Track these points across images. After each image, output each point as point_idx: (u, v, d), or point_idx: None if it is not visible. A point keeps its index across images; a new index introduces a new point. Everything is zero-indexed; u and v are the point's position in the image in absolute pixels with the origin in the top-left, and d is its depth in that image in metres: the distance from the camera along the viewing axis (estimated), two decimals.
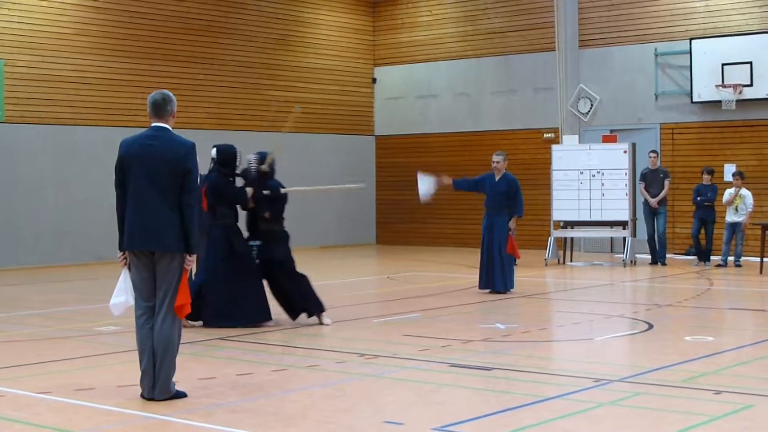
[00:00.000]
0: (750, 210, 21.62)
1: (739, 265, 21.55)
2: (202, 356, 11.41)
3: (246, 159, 13.79)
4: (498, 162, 17.48)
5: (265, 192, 13.61)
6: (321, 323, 13.54)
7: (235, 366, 10.74)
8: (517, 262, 17.91)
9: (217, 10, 26.49)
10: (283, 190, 13.88)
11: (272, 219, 13.69)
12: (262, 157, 13.83)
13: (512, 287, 17.29)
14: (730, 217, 21.75)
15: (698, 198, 22.27)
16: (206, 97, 26.17)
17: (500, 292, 17.02)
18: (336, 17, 29.60)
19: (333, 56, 29.47)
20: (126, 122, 24.35)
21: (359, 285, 19.98)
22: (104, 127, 24.11)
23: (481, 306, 16.04)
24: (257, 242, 13.59)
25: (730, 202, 21.70)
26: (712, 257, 22.31)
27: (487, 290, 17.22)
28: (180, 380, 9.46)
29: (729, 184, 22.17)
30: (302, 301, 13.63)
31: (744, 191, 21.73)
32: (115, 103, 24.39)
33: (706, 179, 22.35)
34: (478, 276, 17.59)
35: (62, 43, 23.62)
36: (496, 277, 17.15)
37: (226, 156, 13.58)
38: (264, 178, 13.72)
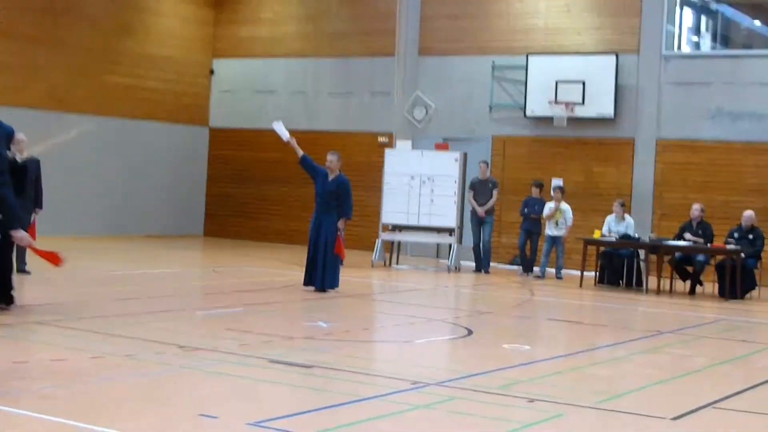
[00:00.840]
0: (569, 224, 22.15)
1: (560, 278, 22.05)
2: (17, 339, 11.13)
3: None
4: (332, 162, 17.47)
5: None
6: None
7: (50, 351, 10.50)
8: (342, 263, 17.93)
9: None
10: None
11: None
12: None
13: (335, 286, 17.26)
14: (551, 231, 22.27)
15: (525, 210, 22.69)
16: (45, 78, 25.54)
17: (321, 290, 17.00)
18: (179, 7, 29.26)
19: (173, 45, 29.13)
20: None
21: (183, 276, 19.78)
22: None
23: (305, 304, 16.03)
24: None
25: (551, 216, 22.21)
26: (534, 268, 22.75)
27: (311, 288, 17.17)
28: None
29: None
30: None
31: (564, 205, 22.25)
32: None
33: (534, 192, 22.78)
34: (303, 273, 17.55)
35: None
36: (317, 275, 17.13)
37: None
38: None
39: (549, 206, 22.26)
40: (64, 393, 8.65)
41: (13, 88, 24.99)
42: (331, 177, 17.42)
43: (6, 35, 24.78)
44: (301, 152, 17.62)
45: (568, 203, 22.48)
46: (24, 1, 25.11)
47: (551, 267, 22.49)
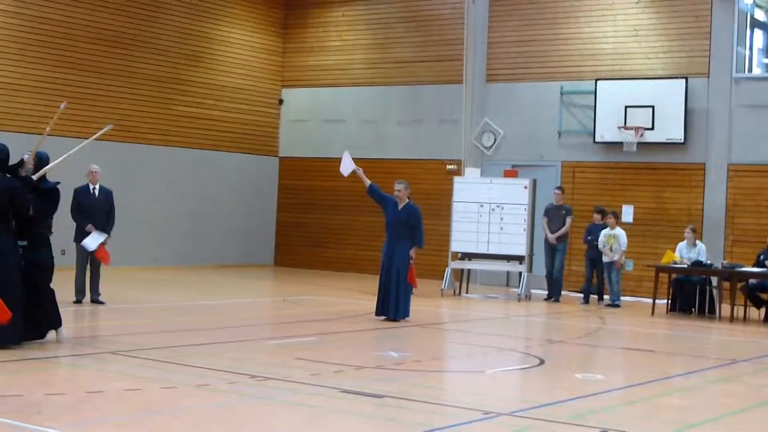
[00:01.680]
0: (623, 249, 21.87)
1: (617, 305, 21.69)
2: (91, 369, 11.23)
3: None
4: (399, 190, 17.48)
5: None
6: (58, 340, 12.83)
7: (124, 381, 10.59)
8: (414, 291, 17.92)
9: (129, 22, 26.23)
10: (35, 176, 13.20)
11: (38, 219, 12.93)
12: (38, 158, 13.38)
13: (407, 316, 17.25)
14: (607, 258, 21.95)
15: (588, 237, 22.45)
16: (115, 109, 25.82)
17: (393, 320, 16.99)
18: (247, 37, 29.51)
19: (242, 75, 29.37)
20: (29, 128, 23.99)
21: (254, 306, 19.87)
22: (6, 133, 23.69)
23: (375, 333, 16.03)
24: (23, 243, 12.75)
25: (604, 243, 21.93)
26: (598, 296, 22.49)
27: (382, 317, 17.16)
28: (66, 392, 9.30)
29: (625, 224, 22.45)
30: (49, 314, 12.77)
31: (618, 230, 22.00)
32: (21, 109, 23.99)
33: (596, 218, 22.53)
34: (375, 302, 17.53)
35: None
36: (390, 304, 17.14)
37: None
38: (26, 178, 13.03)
39: (603, 233, 21.99)
40: (137, 423, 8.71)
41: (85, 119, 25.28)
42: (401, 206, 17.42)
43: (76, 67, 25.10)
44: (368, 182, 17.66)
45: (639, 229, 22.27)
46: (93, 32, 25.42)
47: (626, 295, 22.14)
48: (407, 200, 17.52)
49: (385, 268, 17.30)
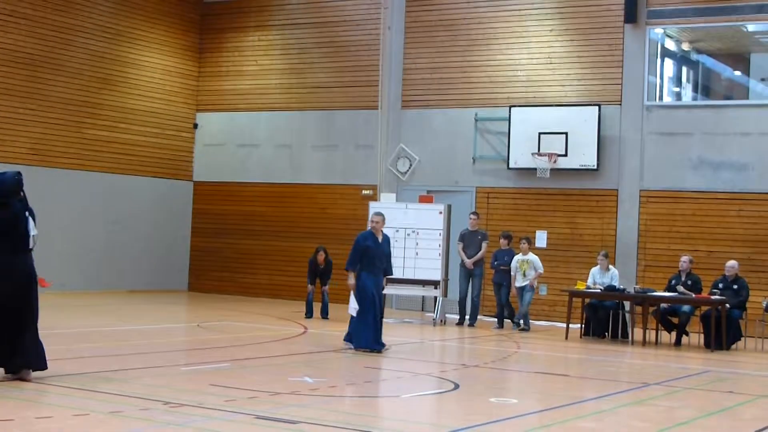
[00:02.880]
0: (540, 272, 22.10)
1: (520, 327, 21.94)
2: (1, 397, 11.03)
3: None
4: (378, 222, 17.14)
5: None
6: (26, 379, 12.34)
7: (34, 408, 10.42)
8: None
9: (42, 44, 25.96)
10: None
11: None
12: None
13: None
14: (519, 282, 22.15)
15: (495, 262, 22.64)
16: (26, 132, 25.53)
17: (378, 351, 16.73)
18: (162, 60, 29.35)
19: (156, 99, 29.19)
20: None
21: (168, 332, 19.68)
22: None
23: (290, 359, 15.96)
24: None
25: (517, 269, 22.15)
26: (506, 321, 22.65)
27: (372, 350, 16.77)
28: None
29: (539, 250, 22.62)
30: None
31: (531, 256, 22.22)
32: None
33: (503, 243, 22.75)
34: (362, 334, 16.94)
35: None
36: (380, 334, 17.03)
37: None
38: None
39: (516, 258, 22.21)
40: None
41: None
42: (380, 238, 17.17)
43: None
44: (353, 280, 17.10)
45: (552, 255, 22.47)
46: (4, 53, 25.12)
47: (538, 320, 22.32)
48: (382, 232, 17.30)
49: (376, 301, 16.96)
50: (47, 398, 11.15)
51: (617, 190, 24.40)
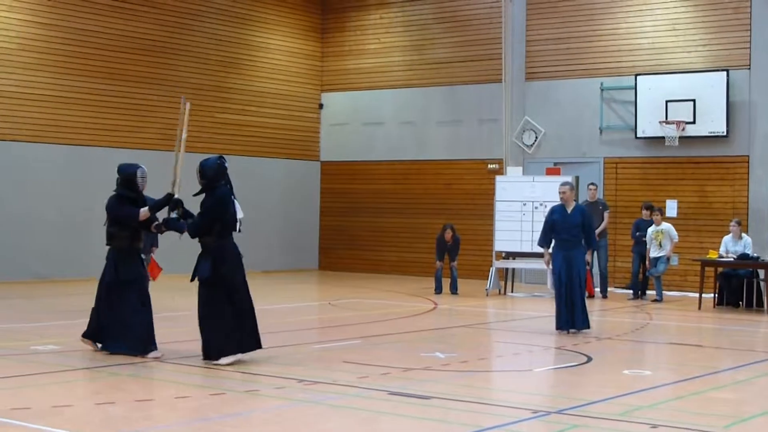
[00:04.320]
0: (675, 240, 21.79)
1: (659, 300, 21.72)
2: (140, 377, 11.31)
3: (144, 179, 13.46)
4: (564, 192, 16.43)
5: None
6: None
7: (173, 388, 10.67)
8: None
9: (167, 30, 26.43)
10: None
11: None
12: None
13: (589, 326, 16.33)
14: (654, 253, 21.87)
15: (637, 233, 22.44)
16: (156, 118, 26.02)
17: (583, 329, 16.08)
18: (285, 42, 29.62)
19: (281, 80, 29.48)
20: (70, 140, 24.29)
21: (300, 311, 19.93)
22: (47, 144, 23.94)
23: (421, 335, 16.05)
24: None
25: (651, 240, 21.87)
26: (652, 292, 22.42)
27: (571, 330, 16.11)
28: (117, 401, 9.39)
29: (670, 219, 22.34)
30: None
31: (665, 225, 21.92)
32: (62, 121, 24.23)
33: (645, 214, 22.52)
34: (555, 314, 16.38)
35: (4, 58, 23.39)
36: (577, 315, 16.06)
37: (125, 176, 13.36)
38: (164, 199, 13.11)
39: (650, 230, 21.93)
40: (188, 429, 8.77)
41: (127, 129, 25.50)
42: (569, 208, 16.39)
43: (115, 77, 25.33)
44: (548, 256, 16.61)
45: (683, 224, 22.14)
46: (132, 41, 25.62)
47: (671, 290, 22.02)
48: (574, 202, 16.61)
49: (565, 279, 16.12)
50: (184, 378, 11.39)
51: (748, 156, 23.93)
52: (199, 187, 12.71)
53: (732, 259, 20.51)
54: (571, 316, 16.09)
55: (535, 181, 23.25)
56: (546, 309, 20.47)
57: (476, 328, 17.29)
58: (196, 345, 12.61)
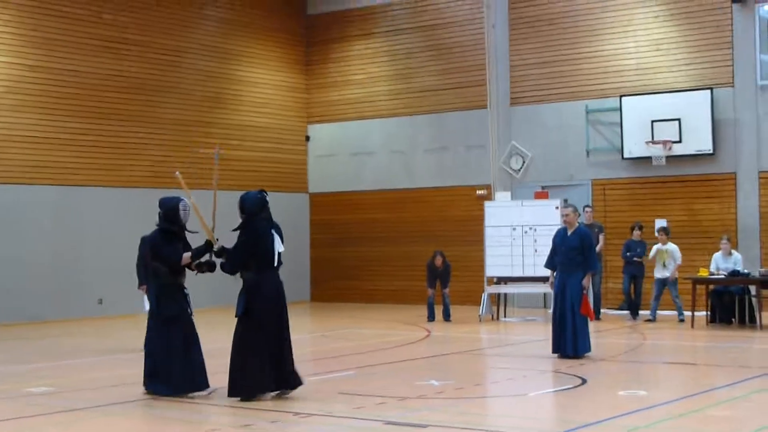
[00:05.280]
0: (678, 263, 21.80)
1: (682, 320, 21.49)
2: (134, 416, 11.27)
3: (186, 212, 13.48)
4: (568, 215, 16.40)
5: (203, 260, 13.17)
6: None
7: (167, 426, 10.63)
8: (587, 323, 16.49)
9: (153, 68, 26.47)
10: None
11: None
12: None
13: (588, 351, 16.04)
14: (659, 273, 21.92)
15: (627, 253, 22.49)
16: (143, 155, 26.06)
17: (570, 356, 15.83)
18: (270, 75, 29.68)
19: (267, 114, 29.52)
20: (60, 180, 24.29)
21: (294, 343, 19.86)
22: (37, 186, 23.93)
23: (415, 363, 16.03)
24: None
25: (657, 258, 21.88)
26: (646, 312, 22.44)
27: (556, 354, 16.03)
28: None
29: (658, 239, 22.38)
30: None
31: (670, 245, 21.94)
32: (51, 161, 24.23)
33: (635, 235, 22.60)
34: (551, 339, 16.30)
35: None
36: (567, 340, 15.90)
37: (167, 209, 13.35)
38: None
39: (654, 248, 21.97)
40: None
41: (115, 167, 25.50)
42: (570, 231, 16.31)
43: (103, 116, 25.35)
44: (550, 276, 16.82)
45: (673, 242, 22.19)
46: (118, 80, 25.64)
47: (664, 310, 22.00)
48: (577, 224, 16.49)
49: (558, 302, 16.11)
50: (178, 414, 11.35)
51: (735, 173, 24.01)
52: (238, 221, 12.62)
53: (723, 276, 20.55)
54: (562, 341, 16.01)
55: (524, 205, 23.30)
56: (539, 333, 20.47)
57: (470, 355, 17.29)
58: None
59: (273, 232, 12.49)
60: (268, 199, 12.62)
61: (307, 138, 30.58)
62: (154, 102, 26.50)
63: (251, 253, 12.33)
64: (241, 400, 11.92)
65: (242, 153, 28.59)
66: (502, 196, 24.79)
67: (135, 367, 15.70)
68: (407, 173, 28.72)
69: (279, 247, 12.54)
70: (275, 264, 12.53)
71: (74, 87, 24.79)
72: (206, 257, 13.05)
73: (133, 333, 20.73)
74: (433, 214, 28.10)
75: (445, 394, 12.56)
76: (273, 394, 12.16)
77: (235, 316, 12.35)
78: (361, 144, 29.59)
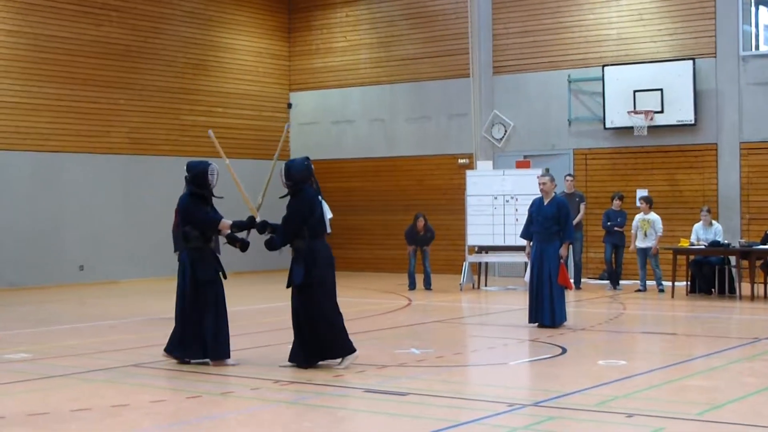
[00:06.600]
0: (659, 234, 21.81)
1: (662, 290, 21.55)
2: (115, 382, 11.26)
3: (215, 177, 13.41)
4: (544, 183, 16.22)
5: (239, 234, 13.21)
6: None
7: (149, 392, 10.62)
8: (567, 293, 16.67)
9: (134, 35, 26.31)
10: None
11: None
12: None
13: (564, 320, 16.04)
14: (640, 243, 21.93)
15: (608, 223, 22.51)
16: (124, 122, 25.94)
17: (548, 326, 15.79)
18: (252, 42, 29.56)
19: (250, 81, 29.42)
20: (39, 147, 24.17)
21: (274, 311, 19.89)
22: (15, 152, 23.80)
23: (396, 331, 16.05)
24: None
25: (639, 228, 21.88)
26: (628, 282, 22.48)
27: (536, 324, 15.98)
28: (92, 407, 9.34)
29: (639, 209, 22.42)
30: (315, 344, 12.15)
31: (653, 215, 21.95)
32: (29, 128, 24.08)
33: (616, 205, 22.60)
34: (528, 307, 16.24)
35: None
36: (544, 310, 15.84)
37: (195, 173, 13.23)
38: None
39: (637, 218, 21.96)
40: None
41: (95, 133, 25.37)
42: (546, 200, 16.16)
43: (83, 82, 25.19)
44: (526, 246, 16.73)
45: (655, 213, 22.23)
46: (98, 46, 25.47)
47: (650, 280, 22.07)
48: (554, 194, 16.31)
49: (535, 272, 15.99)
50: (160, 382, 11.36)
51: (716, 144, 24.05)
52: (284, 190, 12.58)
53: (703, 247, 20.61)
54: (539, 311, 15.99)
55: (506, 174, 23.31)
56: (520, 302, 20.49)
57: (451, 323, 17.31)
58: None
59: (321, 199, 12.36)
60: (312, 166, 12.46)
61: (289, 105, 30.49)
62: (134, 68, 26.34)
63: (304, 221, 12.12)
64: (332, 362, 11.98)
65: (225, 120, 28.49)
66: (483, 165, 24.77)
67: (115, 334, 15.73)
68: (388, 142, 28.68)
69: (328, 213, 12.49)
70: (327, 231, 12.37)
71: (52, 52, 24.61)
72: (243, 234, 12.97)
73: (115, 300, 20.82)
74: (414, 183, 28.09)
75: (426, 362, 12.58)
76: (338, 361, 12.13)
77: (289, 287, 12.28)
78: (343, 112, 29.53)
